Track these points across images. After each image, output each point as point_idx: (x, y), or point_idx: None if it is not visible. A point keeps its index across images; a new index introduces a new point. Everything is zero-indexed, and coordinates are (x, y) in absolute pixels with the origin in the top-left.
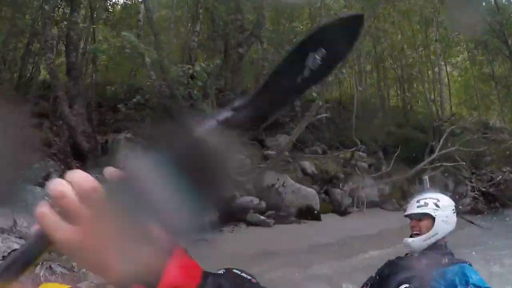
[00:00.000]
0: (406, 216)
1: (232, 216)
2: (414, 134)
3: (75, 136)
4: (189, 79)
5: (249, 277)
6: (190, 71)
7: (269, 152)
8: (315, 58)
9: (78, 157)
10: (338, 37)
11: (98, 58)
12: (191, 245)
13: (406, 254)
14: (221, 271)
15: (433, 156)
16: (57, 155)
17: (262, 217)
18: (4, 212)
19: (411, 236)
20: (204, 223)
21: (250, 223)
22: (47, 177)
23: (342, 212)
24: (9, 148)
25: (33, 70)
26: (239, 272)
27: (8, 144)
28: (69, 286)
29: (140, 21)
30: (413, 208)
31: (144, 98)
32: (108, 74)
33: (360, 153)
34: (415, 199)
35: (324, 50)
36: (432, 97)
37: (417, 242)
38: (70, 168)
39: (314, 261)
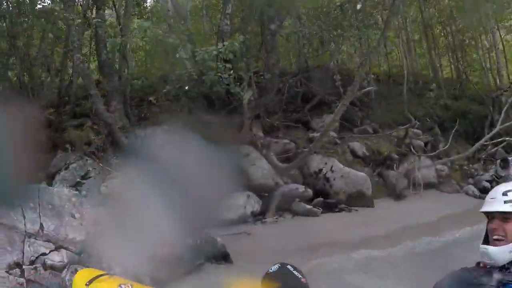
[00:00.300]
0: (485, 213)
1: (276, 205)
2: (472, 107)
3: (113, 133)
4: (218, 63)
5: (299, 276)
6: (215, 53)
7: (315, 134)
8: None
9: (118, 153)
10: None
11: (135, 52)
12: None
13: (478, 263)
14: (276, 266)
15: (495, 130)
16: (96, 153)
17: (308, 206)
18: (31, 217)
19: (485, 240)
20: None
21: (295, 213)
22: (85, 176)
23: (397, 195)
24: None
25: (72, 72)
26: (292, 269)
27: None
28: (105, 272)
29: (169, 10)
30: (498, 203)
31: (175, 88)
32: (142, 68)
33: (415, 130)
34: (499, 191)
35: None
36: (488, 65)
37: (502, 252)
38: (109, 165)
39: (365, 255)
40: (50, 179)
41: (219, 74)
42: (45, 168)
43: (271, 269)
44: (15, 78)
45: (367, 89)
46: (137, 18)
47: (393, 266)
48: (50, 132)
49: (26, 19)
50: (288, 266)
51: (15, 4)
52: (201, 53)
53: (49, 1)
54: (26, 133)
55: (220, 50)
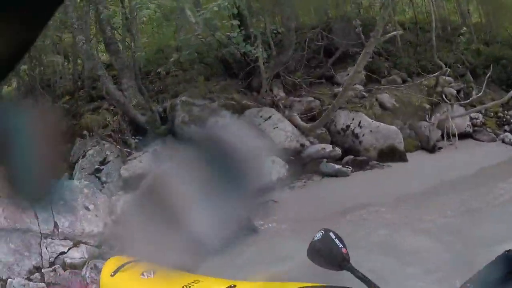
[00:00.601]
0: None
1: (303, 168)
2: (505, 52)
3: (127, 112)
4: (224, 21)
5: (340, 246)
6: (215, 9)
7: (340, 89)
8: None
9: (137, 132)
10: None
11: (146, 24)
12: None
13: None
14: (320, 233)
15: None
16: (113, 136)
17: (337, 166)
18: (43, 217)
19: None
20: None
21: (324, 174)
22: (104, 162)
23: (431, 148)
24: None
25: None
26: (334, 237)
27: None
28: (133, 259)
29: None
30: None
31: (183, 55)
32: (154, 40)
33: (446, 77)
34: None
35: None
36: None
37: None
38: (129, 146)
39: (401, 216)
40: (71, 170)
41: (227, 33)
42: (66, 159)
43: (316, 236)
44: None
45: (391, 33)
46: None
47: (429, 225)
48: (68, 120)
49: None
50: (331, 233)
51: None
52: (203, 12)
53: None
54: (42, 127)
55: (220, 4)
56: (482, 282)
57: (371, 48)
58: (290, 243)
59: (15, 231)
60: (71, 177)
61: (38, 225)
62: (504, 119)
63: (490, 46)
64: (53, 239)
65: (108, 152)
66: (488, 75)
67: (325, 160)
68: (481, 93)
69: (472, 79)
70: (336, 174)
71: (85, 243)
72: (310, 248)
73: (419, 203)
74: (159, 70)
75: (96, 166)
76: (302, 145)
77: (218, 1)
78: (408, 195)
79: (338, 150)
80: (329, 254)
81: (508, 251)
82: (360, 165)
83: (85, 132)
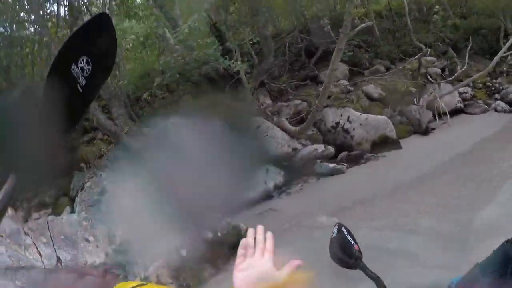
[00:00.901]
0: None
1: (298, 171)
2: (483, 22)
3: (120, 140)
4: (199, 40)
5: (353, 242)
6: (186, 31)
7: None
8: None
9: (130, 159)
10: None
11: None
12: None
13: None
14: (335, 229)
15: (511, 39)
16: (109, 166)
17: (331, 165)
18: (46, 253)
19: None
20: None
21: (320, 175)
22: (102, 193)
23: (424, 130)
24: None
25: None
26: (346, 233)
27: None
28: (138, 283)
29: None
30: None
31: (165, 79)
32: (136, 66)
33: (428, 58)
34: None
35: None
36: None
37: None
38: (125, 174)
39: (402, 208)
40: (72, 203)
41: (204, 51)
42: (67, 194)
43: (332, 232)
44: None
45: (361, 26)
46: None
47: (426, 210)
48: (65, 153)
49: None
50: (343, 229)
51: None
52: (177, 35)
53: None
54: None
55: (190, 25)
56: (479, 277)
57: (343, 44)
58: (288, 252)
59: (19, 269)
60: (72, 211)
61: (42, 261)
62: (493, 88)
63: (468, 18)
64: (57, 274)
65: (105, 182)
66: (469, 47)
67: (319, 160)
68: (465, 66)
69: (454, 54)
70: (331, 173)
71: (89, 274)
72: (330, 246)
73: (416, 189)
74: (144, 95)
75: (96, 197)
76: (294, 149)
77: (188, 23)
78: (405, 183)
79: (331, 149)
80: (343, 252)
81: (507, 241)
82: (355, 160)
83: (82, 164)
